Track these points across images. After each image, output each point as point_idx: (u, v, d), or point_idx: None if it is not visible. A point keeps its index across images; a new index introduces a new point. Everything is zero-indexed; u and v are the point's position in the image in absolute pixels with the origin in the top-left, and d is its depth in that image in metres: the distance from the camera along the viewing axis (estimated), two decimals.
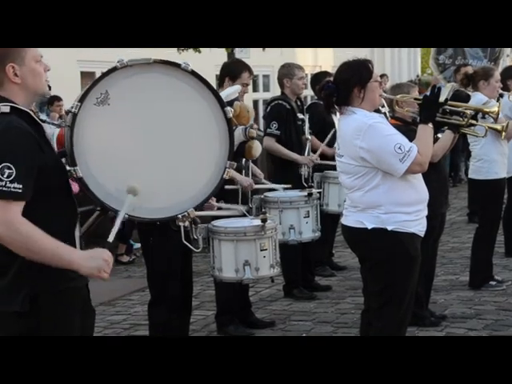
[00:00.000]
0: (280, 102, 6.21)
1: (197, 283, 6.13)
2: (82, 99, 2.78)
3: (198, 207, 2.88)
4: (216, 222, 4.45)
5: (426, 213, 3.88)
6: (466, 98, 4.39)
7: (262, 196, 5.46)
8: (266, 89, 18.28)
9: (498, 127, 4.41)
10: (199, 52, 11.05)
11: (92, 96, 2.77)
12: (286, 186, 5.56)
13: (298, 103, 6.41)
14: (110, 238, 2.71)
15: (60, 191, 2.74)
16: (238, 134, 5.12)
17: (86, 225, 2.93)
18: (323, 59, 20.28)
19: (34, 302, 2.65)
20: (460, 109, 3.99)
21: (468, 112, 3.99)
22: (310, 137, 6.22)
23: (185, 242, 3.78)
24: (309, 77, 9.39)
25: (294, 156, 6.12)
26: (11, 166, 2.56)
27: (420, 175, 3.85)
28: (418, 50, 26.40)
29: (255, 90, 17.38)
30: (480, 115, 4.31)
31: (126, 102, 2.79)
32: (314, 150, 6.36)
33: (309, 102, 9.07)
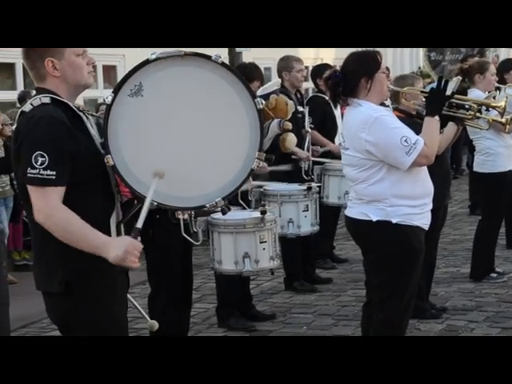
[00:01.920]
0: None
1: (198, 276, 6.14)
2: (116, 91, 2.85)
3: (227, 198, 2.91)
4: (215, 215, 4.44)
5: (430, 206, 3.87)
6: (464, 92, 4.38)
7: (262, 189, 5.46)
8: (267, 81, 18.24)
9: (503, 120, 4.40)
10: None
11: (126, 88, 2.84)
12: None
13: (298, 96, 6.39)
14: (139, 224, 2.76)
15: (96, 180, 2.82)
16: (273, 126, 5.12)
17: (128, 214, 2.98)
18: (325, 52, 20.19)
19: (69, 284, 2.75)
20: (466, 102, 3.98)
21: (475, 106, 3.98)
22: (309, 130, 6.20)
23: (184, 235, 3.79)
24: (310, 69, 9.36)
25: (295, 149, 6.11)
26: (44, 153, 2.66)
27: (425, 168, 3.83)
28: None
29: None
30: (484, 108, 4.30)
31: (158, 93, 2.86)
32: (313, 143, 6.35)
33: (310, 94, 9.05)
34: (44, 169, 2.66)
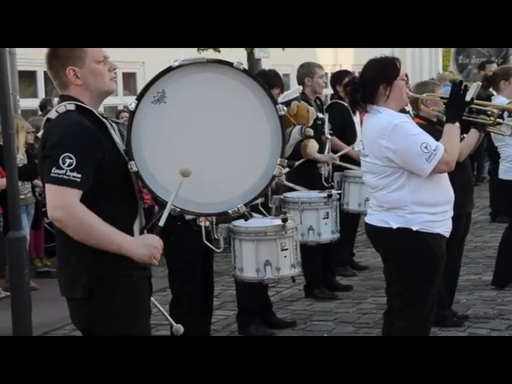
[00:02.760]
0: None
1: (218, 283, 6.14)
2: (139, 98, 2.88)
3: (249, 204, 2.93)
4: (237, 222, 4.45)
5: (451, 213, 3.85)
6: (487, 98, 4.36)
7: (282, 196, 5.46)
8: (286, 87, 18.26)
9: None
10: (219, 52, 11.10)
11: (149, 95, 2.87)
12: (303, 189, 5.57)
13: (318, 102, 6.39)
14: (161, 223, 2.80)
15: (119, 185, 2.85)
16: (295, 132, 5.13)
17: (152, 221, 3.02)
18: (343, 58, 20.20)
19: (93, 290, 2.78)
20: (487, 108, 3.96)
21: (495, 111, 3.95)
22: (329, 136, 6.20)
23: (206, 242, 3.80)
24: (329, 76, 9.37)
25: (316, 155, 6.10)
26: (72, 155, 2.69)
27: (446, 175, 3.82)
28: (440, 48, 26.23)
29: None
30: (506, 114, 4.27)
31: (181, 100, 2.88)
32: (333, 150, 6.35)
33: (329, 101, 9.05)
34: (71, 170, 2.69)
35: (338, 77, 6.78)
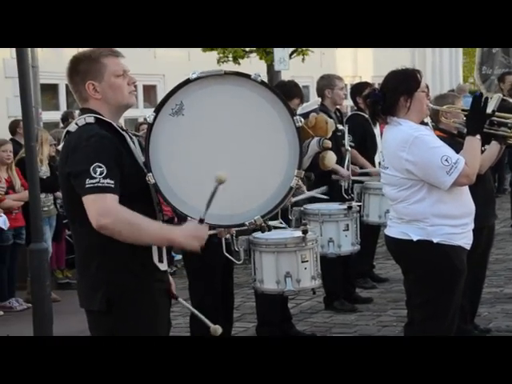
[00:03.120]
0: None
1: (237, 295, 6.13)
2: (157, 110, 2.89)
3: (266, 216, 2.92)
4: (257, 234, 4.45)
5: (472, 226, 3.83)
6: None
7: (302, 208, 5.45)
8: (306, 99, 18.30)
9: None
10: (239, 64, 11.16)
11: (167, 107, 2.89)
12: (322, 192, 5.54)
13: (338, 114, 6.39)
14: (203, 215, 2.80)
15: (138, 197, 2.86)
16: (313, 144, 5.12)
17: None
18: (363, 69, 20.20)
19: (111, 302, 2.78)
20: (508, 120, 3.93)
21: None
22: (349, 148, 6.19)
23: (226, 254, 3.79)
24: (348, 87, 9.38)
25: (335, 167, 6.09)
26: (101, 165, 2.72)
27: (467, 188, 3.80)
28: (460, 59, 26.12)
29: None
30: None
31: (199, 112, 2.90)
32: (353, 162, 6.34)
33: (348, 112, 9.04)
34: (104, 178, 2.71)
35: (358, 88, 6.78)
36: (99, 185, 2.70)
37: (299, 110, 5.36)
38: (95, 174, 2.70)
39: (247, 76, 2.88)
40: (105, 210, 2.70)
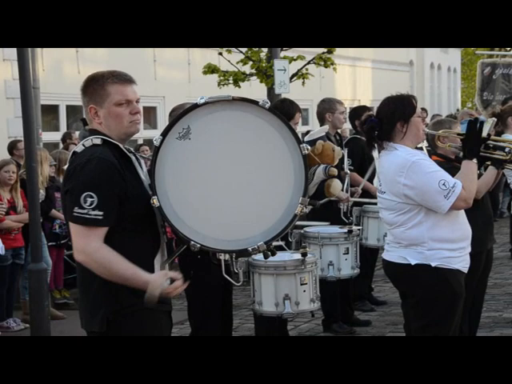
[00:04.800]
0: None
1: (236, 316, 6.12)
2: (164, 133, 2.91)
3: (269, 242, 2.92)
4: (256, 256, 4.46)
5: (469, 249, 3.84)
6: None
7: (302, 231, 5.47)
8: (305, 122, 18.39)
9: None
10: (239, 87, 11.24)
11: (175, 131, 2.91)
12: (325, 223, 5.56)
13: (337, 137, 6.43)
14: (167, 262, 2.86)
15: (142, 219, 2.87)
16: (319, 172, 5.15)
17: (172, 255, 3.05)
18: (362, 93, 20.33)
19: (111, 323, 2.78)
20: (504, 144, 3.97)
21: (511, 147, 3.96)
22: (348, 171, 6.22)
23: (225, 276, 3.80)
24: (347, 111, 9.44)
25: (340, 194, 6.10)
26: (93, 194, 2.73)
27: (463, 211, 3.82)
28: (458, 84, 26.30)
29: None
30: None
31: (206, 136, 2.91)
32: (353, 185, 6.36)
33: (347, 136, 9.09)
34: (93, 209, 2.72)
35: (357, 112, 6.82)
36: (86, 216, 2.72)
37: (307, 137, 5.39)
38: (85, 203, 2.73)
39: (255, 102, 2.90)
40: (82, 247, 2.74)
